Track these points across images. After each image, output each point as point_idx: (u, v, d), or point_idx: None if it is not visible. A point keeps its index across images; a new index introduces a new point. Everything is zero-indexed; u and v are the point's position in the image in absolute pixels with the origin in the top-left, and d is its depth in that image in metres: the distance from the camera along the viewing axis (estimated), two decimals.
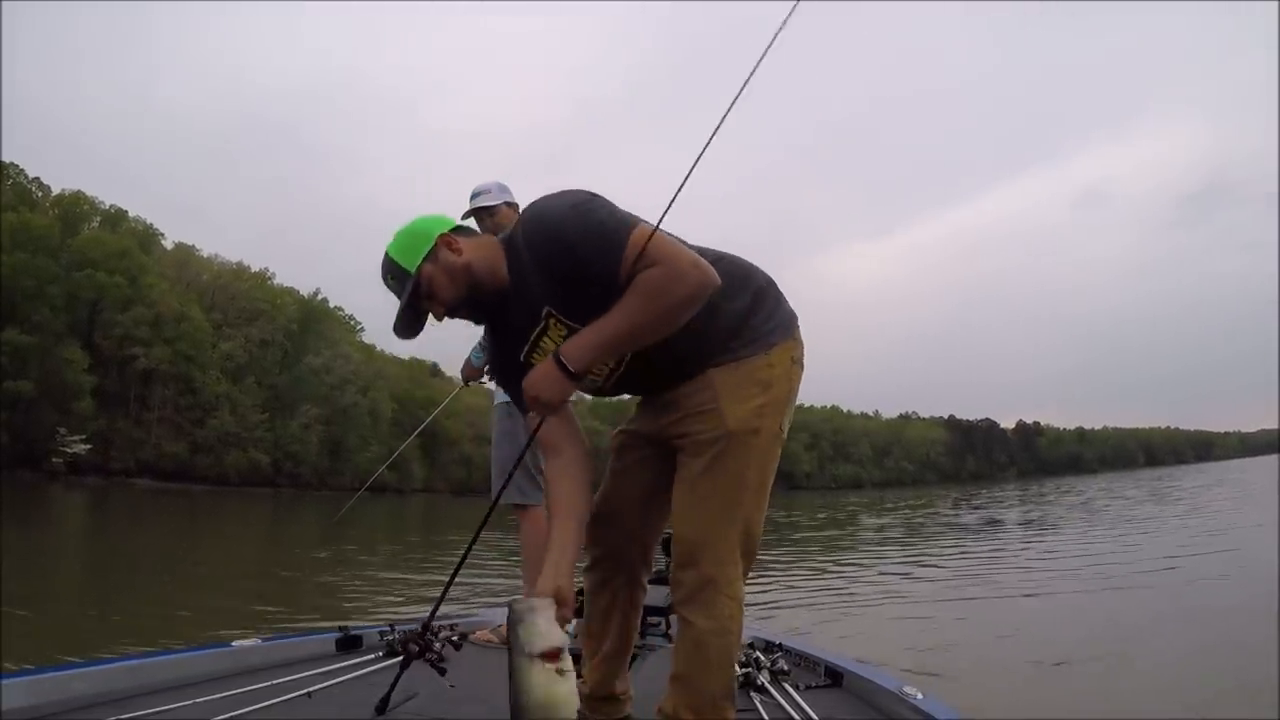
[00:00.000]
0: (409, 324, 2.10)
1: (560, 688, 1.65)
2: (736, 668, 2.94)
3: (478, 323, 2.19)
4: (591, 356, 1.95)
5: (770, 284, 2.26)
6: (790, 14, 2.12)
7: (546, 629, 1.68)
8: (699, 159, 2.09)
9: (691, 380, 2.14)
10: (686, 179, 2.08)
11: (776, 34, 2.12)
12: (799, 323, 2.29)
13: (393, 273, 2.08)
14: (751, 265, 2.28)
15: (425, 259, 2.04)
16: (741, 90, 2.11)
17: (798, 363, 2.23)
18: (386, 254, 2.10)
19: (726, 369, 2.13)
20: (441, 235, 2.06)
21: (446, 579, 2.56)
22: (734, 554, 2.08)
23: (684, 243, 2.07)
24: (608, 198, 2.04)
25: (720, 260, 2.15)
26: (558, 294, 1.99)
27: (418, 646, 2.54)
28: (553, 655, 1.65)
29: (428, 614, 3.51)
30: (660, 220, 1.95)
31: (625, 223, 1.93)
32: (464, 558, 2.52)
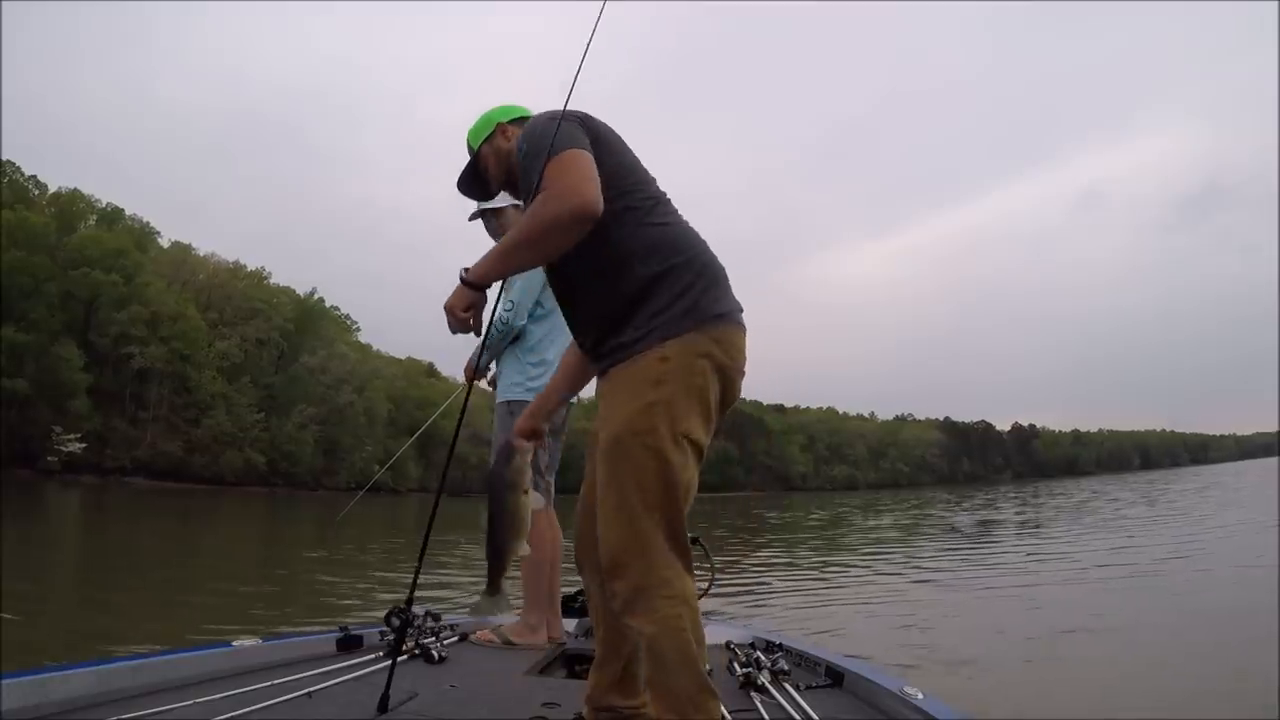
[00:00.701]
0: (470, 187, 2.55)
1: (529, 511, 2.24)
2: (736, 668, 2.95)
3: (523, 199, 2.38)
4: (486, 269, 2.10)
5: (696, 262, 2.14)
6: (602, 11, 2.31)
7: (524, 467, 2.24)
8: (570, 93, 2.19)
9: (602, 377, 2.18)
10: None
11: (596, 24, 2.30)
12: (735, 319, 2.16)
13: (467, 148, 2.48)
14: (694, 240, 2.20)
15: (485, 141, 2.43)
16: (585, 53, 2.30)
17: (708, 357, 2.06)
18: (468, 132, 2.48)
19: (623, 366, 2.09)
20: (499, 123, 2.42)
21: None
22: (663, 555, 1.99)
23: (649, 188, 2.20)
24: (599, 122, 2.20)
25: (666, 224, 2.18)
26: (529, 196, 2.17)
27: (399, 620, 2.54)
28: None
29: (423, 610, 3.51)
30: (553, 142, 2.02)
31: (558, 146, 2.02)
32: (424, 546, 2.57)
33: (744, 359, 2.16)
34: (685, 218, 2.28)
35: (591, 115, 2.23)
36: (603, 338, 2.16)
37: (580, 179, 1.98)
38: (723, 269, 2.21)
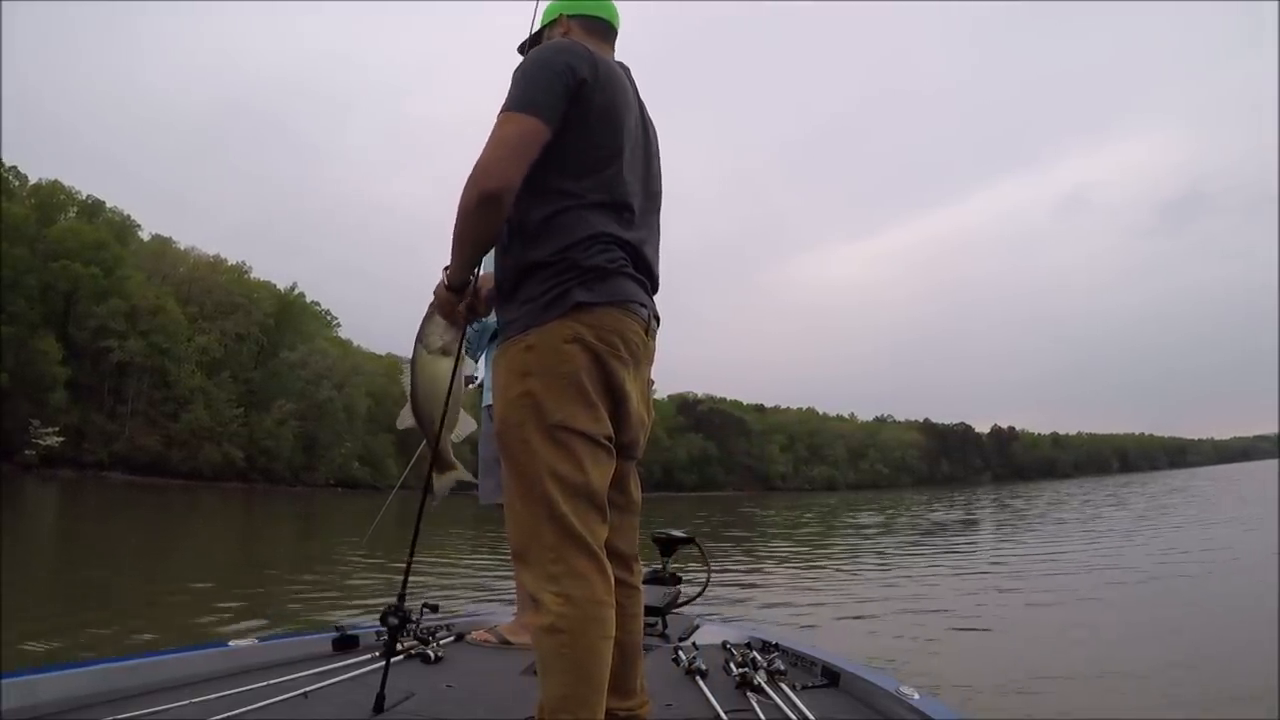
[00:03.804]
0: None
1: (441, 368, 2.26)
2: (733, 668, 2.96)
3: None
4: (452, 265, 2.07)
5: (590, 259, 1.98)
6: None
7: (443, 329, 2.23)
8: None
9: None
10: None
11: None
12: (614, 303, 2.00)
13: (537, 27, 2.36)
14: (603, 227, 2.02)
15: (546, 26, 2.32)
16: None
17: (576, 341, 1.93)
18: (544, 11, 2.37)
19: (503, 346, 2.02)
20: (564, 14, 2.29)
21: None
22: (551, 551, 1.89)
23: (605, 182, 2.04)
24: (613, 84, 2.07)
25: (591, 219, 2.01)
26: None
27: (396, 620, 2.55)
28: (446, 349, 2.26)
29: (420, 603, 3.51)
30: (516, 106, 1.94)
31: (513, 101, 1.95)
32: (414, 542, 2.54)
33: (624, 342, 2.01)
34: (653, 223, 2.23)
35: (615, 73, 2.12)
36: (499, 307, 2.10)
37: (503, 154, 1.90)
38: (626, 271, 2.06)
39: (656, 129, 2.34)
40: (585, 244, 1.98)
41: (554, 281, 1.96)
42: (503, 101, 1.97)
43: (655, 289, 2.20)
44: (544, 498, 1.90)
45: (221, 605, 8.83)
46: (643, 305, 2.08)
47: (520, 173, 1.91)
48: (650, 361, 2.19)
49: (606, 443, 2.00)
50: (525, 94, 1.95)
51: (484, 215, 1.91)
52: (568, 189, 2.00)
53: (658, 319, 2.18)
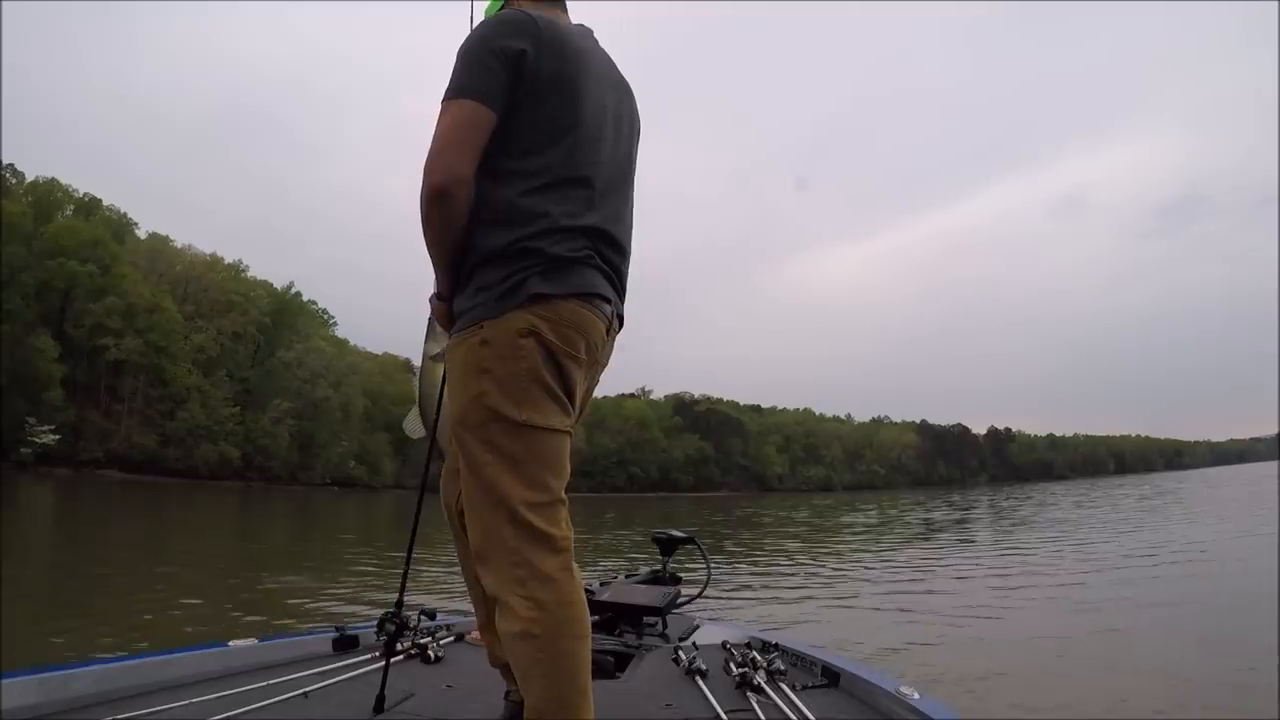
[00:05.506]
0: None
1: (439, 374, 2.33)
2: (733, 668, 2.95)
3: None
4: (436, 275, 2.01)
5: (548, 231, 1.88)
6: None
7: (441, 334, 2.20)
8: None
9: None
10: None
11: None
12: (576, 296, 1.89)
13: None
14: (565, 214, 1.91)
15: (501, 7, 2.12)
16: None
17: (533, 335, 1.84)
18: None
19: (456, 339, 1.93)
20: None
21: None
22: (515, 553, 1.82)
23: (562, 160, 1.93)
24: (563, 52, 1.94)
25: (548, 202, 1.90)
26: None
27: (394, 625, 2.54)
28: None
29: (417, 611, 3.51)
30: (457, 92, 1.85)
31: (453, 89, 1.86)
32: (410, 547, 2.59)
33: (584, 340, 1.92)
34: (625, 194, 2.11)
35: (567, 37, 1.97)
36: (455, 298, 1.99)
37: (442, 146, 1.82)
38: (592, 262, 1.95)
39: (633, 91, 2.25)
40: (545, 231, 1.88)
41: (510, 270, 1.86)
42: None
43: (627, 260, 2.10)
44: (505, 500, 1.84)
45: (220, 604, 8.83)
46: (607, 301, 1.98)
47: (466, 162, 1.83)
48: (605, 366, 2.11)
49: (569, 431, 1.95)
50: (459, 78, 1.87)
51: (438, 212, 1.84)
52: (523, 169, 1.90)
53: (621, 320, 2.09)
